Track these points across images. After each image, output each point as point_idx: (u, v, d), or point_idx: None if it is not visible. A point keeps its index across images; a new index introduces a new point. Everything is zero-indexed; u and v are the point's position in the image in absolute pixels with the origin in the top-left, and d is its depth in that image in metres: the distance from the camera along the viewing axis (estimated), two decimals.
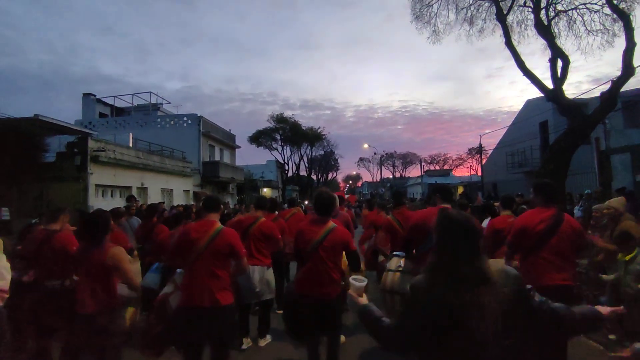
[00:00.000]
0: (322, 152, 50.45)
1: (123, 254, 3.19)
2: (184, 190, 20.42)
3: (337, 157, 53.93)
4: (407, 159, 67.90)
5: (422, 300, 1.69)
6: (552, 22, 11.41)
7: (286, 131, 41.28)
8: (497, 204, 5.56)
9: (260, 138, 40.90)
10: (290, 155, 43.57)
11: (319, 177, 55.19)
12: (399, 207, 4.75)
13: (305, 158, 47.01)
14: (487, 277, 1.63)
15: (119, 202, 12.35)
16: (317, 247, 3.23)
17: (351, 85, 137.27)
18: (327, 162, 52.94)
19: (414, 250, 3.66)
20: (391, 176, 67.41)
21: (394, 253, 3.99)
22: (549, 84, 10.62)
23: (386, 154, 65.18)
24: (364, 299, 2.04)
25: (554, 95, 10.41)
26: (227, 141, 27.25)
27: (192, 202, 18.26)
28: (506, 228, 4.02)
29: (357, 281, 2.16)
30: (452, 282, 1.65)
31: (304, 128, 43.16)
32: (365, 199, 19.34)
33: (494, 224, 4.50)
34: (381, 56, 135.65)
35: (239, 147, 30.21)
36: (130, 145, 17.09)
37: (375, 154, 62.45)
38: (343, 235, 3.41)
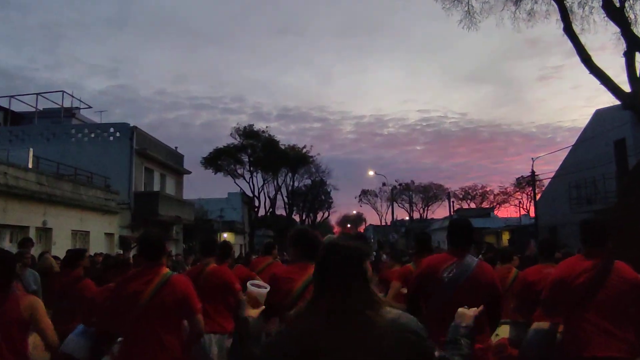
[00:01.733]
0: (308, 182, 52.14)
1: (41, 305, 3.31)
2: (106, 234, 20.47)
3: (329, 189, 55.44)
4: (430, 193, 68.92)
5: (285, 332, 1.91)
6: (626, 5, 11.84)
7: (257, 150, 42.42)
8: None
9: (219, 160, 41.92)
10: (263, 186, 44.85)
11: (304, 217, 55.83)
12: (423, 255, 4.95)
13: (284, 190, 48.23)
14: (360, 320, 1.75)
15: (8, 248, 12.13)
16: (297, 300, 3.35)
17: (350, 88, 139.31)
18: (316, 196, 53.96)
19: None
20: (407, 217, 67.71)
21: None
22: (626, 87, 10.85)
23: (400, 185, 65.93)
24: (255, 311, 2.26)
25: (632, 102, 10.63)
26: (172, 164, 27.87)
27: (117, 251, 18.27)
28: (542, 281, 4.20)
29: (257, 287, 2.35)
30: (313, 319, 1.82)
31: (283, 146, 44.69)
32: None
33: (526, 276, 4.72)
34: (393, 48, 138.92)
35: (189, 172, 30.93)
36: (30, 165, 17.08)
37: (384, 185, 62.36)
38: None
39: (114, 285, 3.69)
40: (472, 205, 65.48)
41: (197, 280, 4.82)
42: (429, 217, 67.60)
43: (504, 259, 6.52)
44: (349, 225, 73.85)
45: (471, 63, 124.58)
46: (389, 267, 7.80)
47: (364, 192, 71.14)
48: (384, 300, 1.91)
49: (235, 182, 43.69)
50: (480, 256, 6.93)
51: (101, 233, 19.67)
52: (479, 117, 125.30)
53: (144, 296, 3.41)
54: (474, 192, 67.45)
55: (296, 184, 50.66)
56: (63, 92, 25.40)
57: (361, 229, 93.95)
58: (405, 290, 4.95)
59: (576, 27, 11.80)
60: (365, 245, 1.97)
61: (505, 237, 35.50)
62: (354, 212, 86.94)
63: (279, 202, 49.25)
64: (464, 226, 3.85)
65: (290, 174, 47.88)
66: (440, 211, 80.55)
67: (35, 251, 11.25)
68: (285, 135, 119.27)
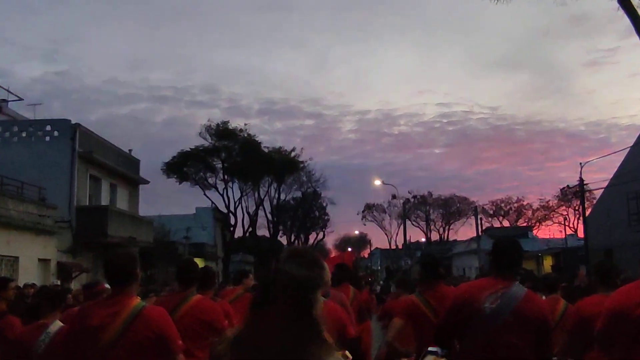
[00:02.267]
0: (298, 195, 52.63)
1: None
2: (40, 260, 20.24)
3: (325, 204, 56.09)
4: (452, 209, 68.99)
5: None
6: None
7: (233, 154, 42.65)
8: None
9: (185, 166, 42.36)
10: (241, 199, 44.76)
11: (293, 239, 55.96)
12: (431, 283, 5.15)
13: (267, 204, 48.75)
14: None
15: None
16: None
17: (352, 76, 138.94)
18: (308, 212, 54.49)
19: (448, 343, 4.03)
20: (423, 239, 67.83)
21: (429, 350, 4.21)
22: None
23: (414, 198, 66.85)
24: None
25: None
26: (125, 171, 28.05)
27: (54, 281, 18.06)
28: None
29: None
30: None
31: (267, 149, 44.88)
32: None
33: (580, 309, 4.80)
34: (405, 27, 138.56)
35: (147, 182, 31.22)
36: None
37: (394, 197, 61.04)
38: (334, 313, 3.74)
39: (72, 316, 3.70)
40: (506, 224, 65.37)
41: (177, 309, 4.87)
42: (450, 239, 67.38)
43: (548, 288, 6.56)
44: (349, 249, 73.06)
45: (503, 45, 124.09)
46: (395, 297, 8.09)
47: (369, 207, 71.29)
48: (330, 346, 1.98)
49: (205, 195, 43.51)
50: None
51: (34, 259, 19.51)
52: (512, 112, 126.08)
53: (108, 334, 3.35)
54: (508, 207, 67.46)
55: (283, 196, 50.70)
56: None
57: (365, 253, 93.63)
58: (400, 326, 5.15)
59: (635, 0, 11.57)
60: (317, 274, 2.10)
61: (548, 262, 35.83)
62: (356, 232, 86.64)
63: (261, 220, 48.90)
64: (511, 247, 3.96)
65: (275, 184, 48.00)
66: (464, 231, 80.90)
67: None
68: (269, 135, 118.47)
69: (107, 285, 4.95)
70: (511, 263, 3.91)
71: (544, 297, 6.41)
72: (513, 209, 68.29)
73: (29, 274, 18.14)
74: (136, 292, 3.71)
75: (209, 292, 5.86)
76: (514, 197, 70.24)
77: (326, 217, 59.26)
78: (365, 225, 74.96)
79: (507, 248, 3.98)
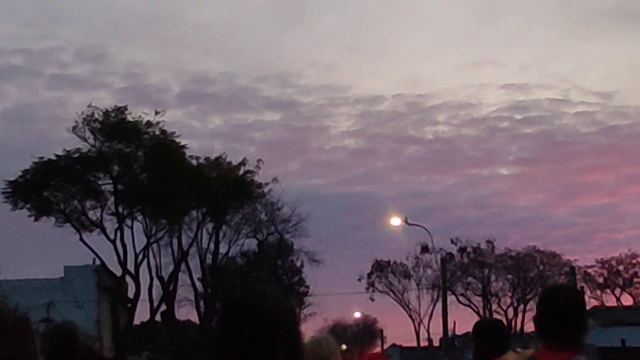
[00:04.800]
0: (252, 244, 45.03)
1: None
2: None
3: (301, 262, 47.58)
4: (531, 272, 55.05)
5: None
6: None
7: (135, 167, 36.45)
8: None
9: (46, 188, 35.53)
10: (147, 249, 37.65)
11: None
12: None
13: (196, 261, 41.68)
14: None
15: None
16: None
17: (351, 32, 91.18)
18: (270, 275, 45.63)
19: None
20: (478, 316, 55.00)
21: None
22: None
23: (462, 252, 53.98)
24: None
25: None
26: None
27: None
28: None
29: None
30: None
31: (195, 161, 38.25)
32: None
33: None
34: None
35: None
36: None
37: (425, 250, 51.09)
38: None
39: None
40: (626, 299, 55.05)
41: None
42: (527, 328, 53.73)
43: None
44: (344, 347, 54.03)
45: None
46: None
47: (380, 268, 56.71)
48: None
49: (82, 241, 35.66)
50: None
51: None
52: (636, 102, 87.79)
53: None
54: (630, 272, 55.64)
55: (224, 248, 42.47)
56: None
57: (376, 349, 67.38)
58: None
59: None
60: (286, 298, 2.20)
61: None
62: (358, 314, 67.33)
63: (184, 290, 41.29)
64: (573, 303, 3.57)
65: (210, 225, 40.53)
66: None
67: None
68: (200, 136, 78.52)
69: None
70: (573, 328, 3.41)
71: None
72: (639, 274, 55.95)
73: None
74: None
75: None
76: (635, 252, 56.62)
77: (303, 288, 49.77)
78: (373, 301, 57.05)
79: (568, 306, 3.43)
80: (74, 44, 74.44)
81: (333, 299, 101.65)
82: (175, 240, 39.02)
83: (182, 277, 40.35)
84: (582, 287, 42.09)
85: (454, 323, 46.36)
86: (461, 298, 57.01)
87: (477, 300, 57.02)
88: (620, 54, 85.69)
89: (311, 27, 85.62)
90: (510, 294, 56.97)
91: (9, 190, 34.11)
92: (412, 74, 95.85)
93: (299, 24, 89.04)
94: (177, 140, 36.39)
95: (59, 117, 63.95)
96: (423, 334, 58.13)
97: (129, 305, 36.64)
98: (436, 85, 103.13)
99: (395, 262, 58.07)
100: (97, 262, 37.00)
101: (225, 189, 37.35)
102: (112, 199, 35.81)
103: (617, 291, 57.09)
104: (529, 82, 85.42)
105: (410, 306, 58.45)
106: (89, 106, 35.28)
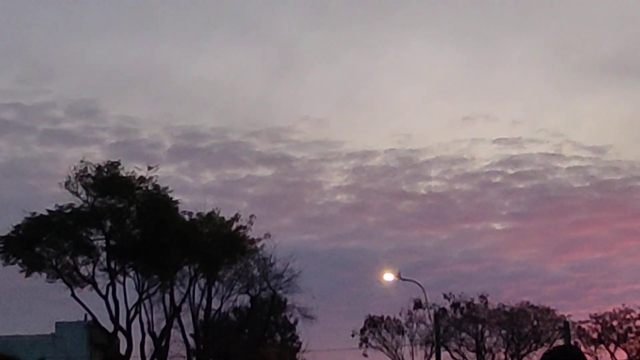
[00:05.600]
0: (245, 300, 44.92)
1: None
2: None
3: (294, 318, 47.57)
4: (525, 328, 55.52)
5: None
6: None
7: (127, 222, 36.42)
8: None
9: (38, 244, 35.30)
10: (139, 305, 37.37)
11: None
12: None
13: (188, 317, 41.33)
14: None
15: None
16: None
17: (343, 88, 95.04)
18: (263, 331, 46.05)
19: None
20: None
21: None
22: None
23: (456, 307, 54.27)
24: None
25: None
26: None
27: None
28: None
29: None
30: None
31: (188, 216, 38.40)
32: None
33: None
34: (441, 4, 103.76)
35: None
36: None
37: (418, 306, 51.48)
38: None
39: None
40: (621, 355, 54.28)
41: None
42: None
43: None
44: None
45: (613, 38, 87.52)
46: None
47: (373, 323, 56.31)
48: None
49: (74, 297, 35.36)
50: None
51: None
52: (633, 156, 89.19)
53: None
54: (624, 327, 54.64)
55: (216, 304, 42.36)
56: None
57: None
58: None
59: None
60: None
61: None
62: None
63: (177, 346, 40.89)
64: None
65: (202, 281, 40.46)
66: None
67: None
68: (192, 192, 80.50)
69: None
70: None
71: None
72: (634, 329, 54.31)
73: None
74: None
75: None
76: (635, 310, 55.79)
77: (296, 344, 49.39)
78: (366, 357, 56.73)
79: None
80: (66, 99, 74.95)
81: (326, 355, 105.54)
82: (167, 296, 38.80)
83: (175, 333, 39.97)
84: (576, 343, 41.49)
85: None
86: (455, 354, 56.81)
87: (471, 356, 56.63)
88: (612, 108, 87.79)
89: (303, 82, 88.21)
90: (504, 350, 56.59)
91: (1, 245, 33.89)
92: (405, 129, 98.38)
93: (291, 79, 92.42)
94: (170, 195, 36.30)
95: (51, 172, 65.37)
96: None
97: None
98: (429, 140, 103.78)
99: (388, 317, 58.04)
100: (89, 318, 36.44)
101: (218, 244, 37.18)
102: (104, 254, 35.49)
103: (612, 347, 56.19)
104: (521, 136, 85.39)
105: None
106: (81, 161, 35.81)
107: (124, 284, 36.30)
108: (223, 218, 38.89)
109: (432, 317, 45.75)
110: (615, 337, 55.78)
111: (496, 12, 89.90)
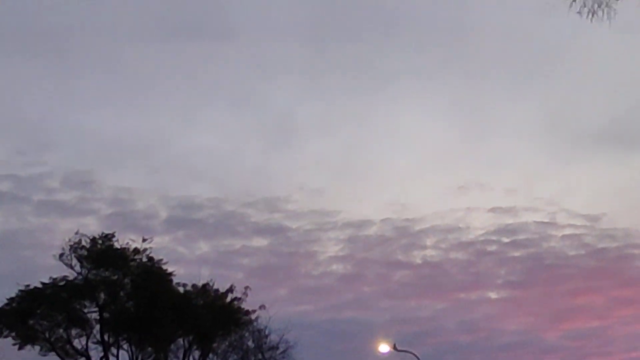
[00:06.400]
0: None
1: None
2: None
3: None
4: None
5: None
6: None
7: (122, 295, 36.82)
8: None
9: (31, 317, 35.23)
10: None
11: None
12: None
13: None
14: None
15: None
16: None
17: (338, 156, 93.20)
18: None
19: None
20: None
21: None
22: None
23: None
24: None
25: None
26: None
27: None
28: None
29: None
30: None
31: (182, 288, 38.16)
32: None
33: None
34: (436, 65, 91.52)
35: None
36: None
37: None
38: None
39: None
40: None
41: None
42: None
43: None
44: None
45: (608, 106, 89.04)
46: None
47: None
48: None
49: None
50: None
51: None
52: (628, 223, 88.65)
53: None
54: None
55: None
56: None
57: None
58: None
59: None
60: None
61: None
62: None
63: None
64: None
65: (198, 352, 39.11)
66: None
67: None
68: (187, 263, 78.05)
69: None
70: None
71: None
72: None
73: None
74: None
75: None
76: None
77: None
78: None
79: None
80: (62, 170, 75.75)
81: None
82: None
83: None
84: None
85: None
86: None
87: None
88: (605, 177, 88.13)
89: (299, 152, 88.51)
90: None
91: None
92: (400, 198, 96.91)
93: (287, 150, 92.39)
94: (164, 267, 36.37)
95: (46, 243, 65.73)
96: None
97: None
98: (424, 209, 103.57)
99: None
100: None
101: (212, 316, 37.02)
102: (97, 326, 35.12)
103: None
104: (516, 205, 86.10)
105: None
106: (76, 233, 35.74)
107: (117, 356, 35.84)
108: (218, 290, 38.79)
109: None
110: None
111: (489, 82, 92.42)
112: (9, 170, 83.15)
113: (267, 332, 41.46)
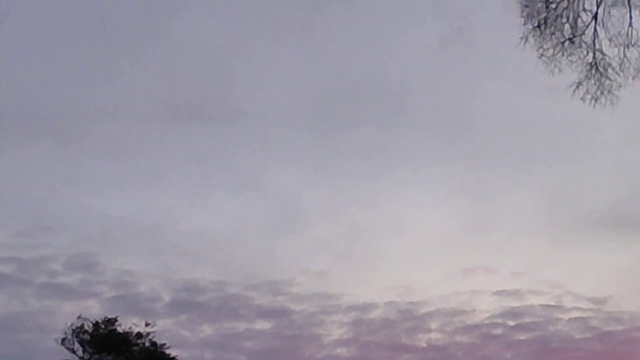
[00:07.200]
0: None
1: None
2: None
3: None
4: None
5: None
6: None
7: None
8: None
9: None
10: None
11: None
12: None
13: None
14: None
15: None
16: None
17: (342, 239, 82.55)
18: None
19: None
20: None
21: None
22: None
23: None
24: None
25: None
26: None
27: None
28: None
29: None
30: None
31: None
32: None
33: None
34: (439, 150, 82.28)
35: None
36: None
37: None
38: None
39: None
40: None
41: None
42: None
43: None
44: None
45: (611, 190, 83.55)
46: None
47: None
48: None
49: None
50: None
51: None
52: (634, 307, 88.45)
53: None
54: None
55: None
56: None
57: None
58: None
59: None
60: None
61: None
62: None
63: None
64: None
65: None
66: None
67: None
68: (190, 347, 77.80)
69: None
70: None
71: None
72: None
73: None
74: None
75: None
76: None
77: None
78: None
79: None
80: (64, 252, 76.11)
81: None
82: None
83: None
84: None
85: None
86: None
87: None
88: (610, 259, 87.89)
89: (303, 235, 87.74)
90: None
91: None
92: (405, 281, 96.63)
93: (291, 233, 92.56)
94: (167, 351, 36.56)
95: (48, 326, 64.92)
96: None
97: None
98: (429, 292, 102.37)
99: None
100: None
101: None
102: None
103: None
104: (521, 288, 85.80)
105: None
106: (78, 317, 36.24)
107: None
108: None
109: None
110: None
111: (492, 167, 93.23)
112: (12, 253, 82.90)
113: None
